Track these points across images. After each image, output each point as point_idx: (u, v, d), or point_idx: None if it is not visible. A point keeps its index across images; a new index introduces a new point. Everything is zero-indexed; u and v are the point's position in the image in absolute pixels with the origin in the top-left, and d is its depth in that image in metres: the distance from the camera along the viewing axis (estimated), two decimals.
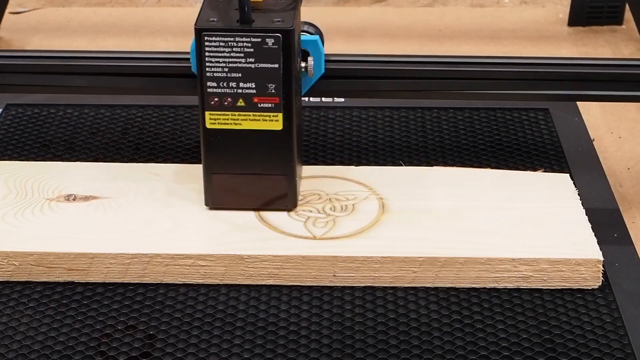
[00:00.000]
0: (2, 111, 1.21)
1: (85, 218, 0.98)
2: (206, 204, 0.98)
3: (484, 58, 1.07)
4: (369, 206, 0.99)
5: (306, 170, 1.05)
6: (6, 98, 1.23)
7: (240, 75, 0.93)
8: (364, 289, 0.94)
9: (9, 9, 1.58)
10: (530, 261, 0.93)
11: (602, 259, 0.93)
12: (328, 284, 0.94)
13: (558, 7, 1.66)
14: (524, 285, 0.93)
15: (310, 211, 0.99)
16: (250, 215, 0.98)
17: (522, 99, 1.09)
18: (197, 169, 1.05)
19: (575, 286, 0.93)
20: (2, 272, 0.94)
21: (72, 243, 0.94)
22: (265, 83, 0.93)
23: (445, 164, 1.10)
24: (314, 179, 1.03)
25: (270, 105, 0.94)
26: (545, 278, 0.93)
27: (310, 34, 0.98)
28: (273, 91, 0.93)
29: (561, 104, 1.21)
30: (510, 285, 0.93)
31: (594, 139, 1.17)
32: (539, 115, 1.20)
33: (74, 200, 1.00)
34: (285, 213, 0.98)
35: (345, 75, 1.05)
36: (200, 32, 0.92)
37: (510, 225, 0.97)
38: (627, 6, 1.56)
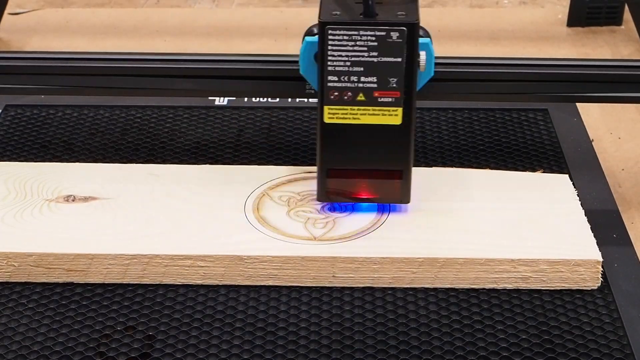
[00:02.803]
0: (1, 112, 1.21)
1: (84, 219, 0.98)
2: (319, 199, 0.98)
3: (483, 58, 1.07)
4: (368, 206, 0.99)
5: (306, 171, 1.04)
6: (5, 99, 1.23)
7: (362, 69, 0.92)
8: (364, 289, 0.94)
9: (8, 10, 1.58)
10: (529, 262, 0.93)
11: (601, 259, 0.93)
12: (327, 285, 0.94)
13: (557, 7, 1.66)
14: (523, 286, 0.93)
15: (310, 212, 0.99)
16: (249, 215, 0.98)
17: (521, 99, 1.09)
18: (196, 169, 1.05)
19: (574, 287, 0.93)
20: (2, 272, 0.94)
21: (72, 244, 0.94)
22: (386, 77, 0.92)
23: (445, 164, 1.10)
24: (314, 179, 1.03)
25: (390, 99, 0.93)
26: (544, 279, 0.93)
27: (421, 36, 0.97)
28: (394, 85, 0.92)
29: (560, 104, 1.21)
30: (509, 286, 0.93)
31: (593, 140, 1.17)
32: (538, 115, 1.20)
33: (73, 201, 1.00)
34: (284, 214, 0.98)
35: None
36: (324, 26, 0.90)
37: (510, 225, 0.97)
38: (626, 7, 1.56)
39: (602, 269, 0.93)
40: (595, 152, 1.14)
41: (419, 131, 1.17)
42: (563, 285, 0.93)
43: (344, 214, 0.99)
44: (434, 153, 1.13)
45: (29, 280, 0.94)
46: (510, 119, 1.20)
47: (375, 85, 0.92)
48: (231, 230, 0.96)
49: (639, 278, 0.94)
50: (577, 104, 1.22)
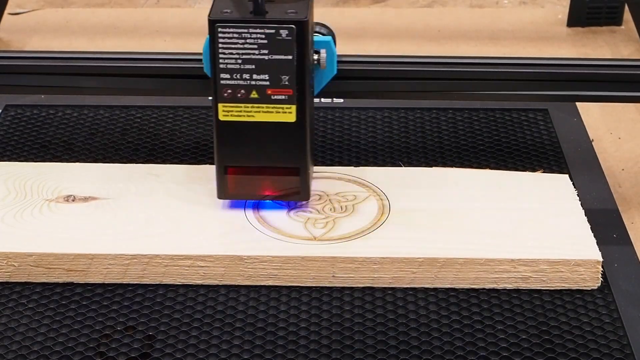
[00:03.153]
0: (2, 112, 1.21)
1: (84, 219, 0.98)
2: (219, 197, 0.98)
3: (483, 58, 1.07)
4: (368, 207, 0.99)
5: None
6: (5, 99, 1.23)
7: (253, 67, 0.93)
8: (364, 289, 0.94)
9: (8, 10, 1.58)
10: (529, 262, 0.93)
11: (601, 259, 0.93)
12: (327, 285, 0.94)
13: (557, 7, 1.66)
14: (523, 286, 0.93)
15: (310, 212, 0.99)
16: (249, 215, 0.98)
17: (521, 99, 1.09)
18: (196, 170, 1.05)
19: (574, 287, 0.93)
20: (2, 272, 0.94)
21: (72, 244, 0.94)
22: (278, 75, 0.93)
23: (445, 164, 1.10)
24: (314, 180, 1.03)
25: (283, 97, 0.94)
26: (544, 279, 0.93)
27: (323, 34, 0.98)
28: (287, 83, 0.93)
29: (560, 104, 1.21)
30: (509, 286, 0.93)
31: (593, 140, 1.17)
32: (539, 116, 1.20)
33: (73, 201, 1.00)
34: (284, 214, 0.98)
35: (354, 76, 1.05)
36: (213, 24, 0.92)
37: (510, 225, 0.97)
38: (626, 7, 1.56)
39: (602, 269, 0.93)
40: (595, 152, 1.14)
41: (419, 131, 1.17)
42: (563, 285, 0.93)
43: (344, 214, 0.99)
44: (434, 153, 1.13)
45: (29, 280, 0.94)
46: (510, 119, 1.20)
47: (267, 83, 0.93)
48: (231, 230, 0.96)
49: (639, 278, 0.94)
50: (577, 104, 1.22)
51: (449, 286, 0.93)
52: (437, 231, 0.96)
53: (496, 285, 0.93)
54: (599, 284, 0.93)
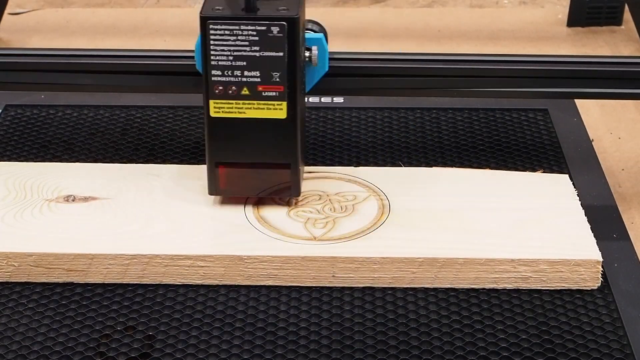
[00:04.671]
0: (1, 112, 1.21)
1: (84, 219, 0.98)
2: (210, 193, 0.99)
3: (482, 56, 1.08)
4: (368, 207, 0.99)
5: (306, 171, 1.04)
6: (5, 99, 1.23)
7: (245, 63, 0.93)
8: (363, 289, 0.94)
9: (8, 10, 1.58)
10: (529, 262, 0.93)
11: (601, 259, 0.93)
12: (327, 285, 0.94)
13: (557, 7, 1.66)
14: (523, 285, 0.93)
15: (310, 212, 0.99)
16: (249, 215, 0.98)
17: (520, 96, 1.09)
18: (196, 170, 1.05)
19: (574, 287, 0.93)
20: (2, 272, 0.94)
21: (72, 244, 0.94)
22: (269, 71, 0.93)
23: (445, 164, 1.10)
24: (314, 180, 1.03)
25: (274, 93, 0.94)
26: (544, 279, 0.93)
27: (315, 32, 0.98)
28: (277, 80, 0.93)
29: (560, 104, 1.21)
30: (509, 286, 0.93)
31: (593, 140, 1.17)
32: (538, 115, 1.20)
33: (73, 201, 1.00)
34: (284, 214, 0.98)
35: (348, 73, 1.05)
36: (205, 20, 0.92)
37: (510, 225, 0.97)
38: (626, 7, 1.56)
39: (602, 269, 0.93)
40: (595, 152, 1.14)
41: (419, 131, 1.17)
42: (563, 285, 0.93)
43: (344, 214, 0.99)
44: (434, 153, 1.13)
45: (29, 280, 0.94)
46: (510, 119, 1.20)
47: (258, 80, 0.94)
48: (231, 230, 0.96)
49: (639, 278, 0.94)
50: (577, 103, 1.22)
51: (449, 286, 0.93)
52: (437, 231, 0.96)
53: (496, 285, 0.93)
54: (599, 284, 0.93)
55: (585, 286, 0.93)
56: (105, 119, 1.20)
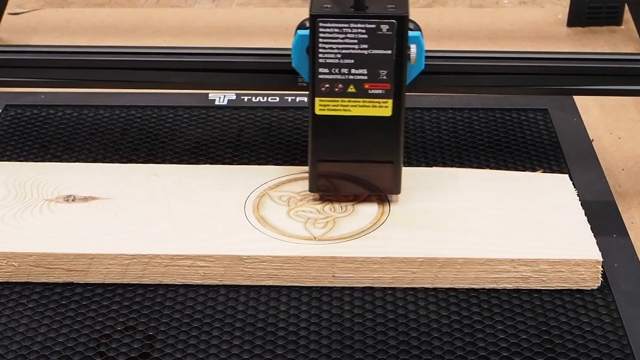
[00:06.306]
0: (2, 112, 1.21)
1: (84, 219, 0.98)
2: (310, 190, 0.99)
3: (481, 52, 1.08)
4: (368, 207, 0.99)
5: (306, 171, 1.04)
6: (5, 99, 1.23)
7: (352, 61, 0.93)
8: (363, 289, 0.94)
9: (8, 10, 1.58)
10: (529, 262, 0.93)
11: (601, 259, 0.93)
12: (327, 285, 0.94)
13: (557, 7, 1.66)
14: (523, 285, 0.93)
15: (310, 212, 0.99)
16: (249, 215, 0.98)
17: (519, 93, 1.09)
18: (196, 170, 1.05)
19: (574, 287, 0.93)
20: (2, 272, 0.94)
21: (71, 244, 0.94)
22: (377, 69, 0.93)
23: (445, 164, 1.10)
24: None
25: (381, 91, 0.94)
26: (544, 279, 0.93)
27: (411, 29, 0.97)
28: (384, 77, 0.93)
29: (560, 104, 1.21)
30: (509, 286, 0.93)
31: (593, 140, 1.17)
32: (538, 115, 1.20)
33: (73, 201, 1.00)
34: (284, 214, 0.98)
35: None
36: (315, 18, 0.92)
37: (510, 225, 0.97)
38: (626, 7, 1.56)
39: (602, 269, 0.93)
40: (595, 152, 1.14)
41: (418, 131, 1.17)
42: (563, 285, 0.93)
43: (344, 214, 0.99)
44: (434, 153, 1.13)
45: (29, 280, 0.94)
46: (510, 119, 1.20)
47: (365, 78, 0.94)
48: (231, 230, 0.96)
49: (639, 278, 0.94)
50: (577, 103, 1.22)
51: (449, 286, 0.93)
52: (437, 231, 0.96)
53: (496, 285, 0.93)
54: (599, 284, 0.93)
55: (585, 286, 0.93)
56: (105, 119, 1.20)
